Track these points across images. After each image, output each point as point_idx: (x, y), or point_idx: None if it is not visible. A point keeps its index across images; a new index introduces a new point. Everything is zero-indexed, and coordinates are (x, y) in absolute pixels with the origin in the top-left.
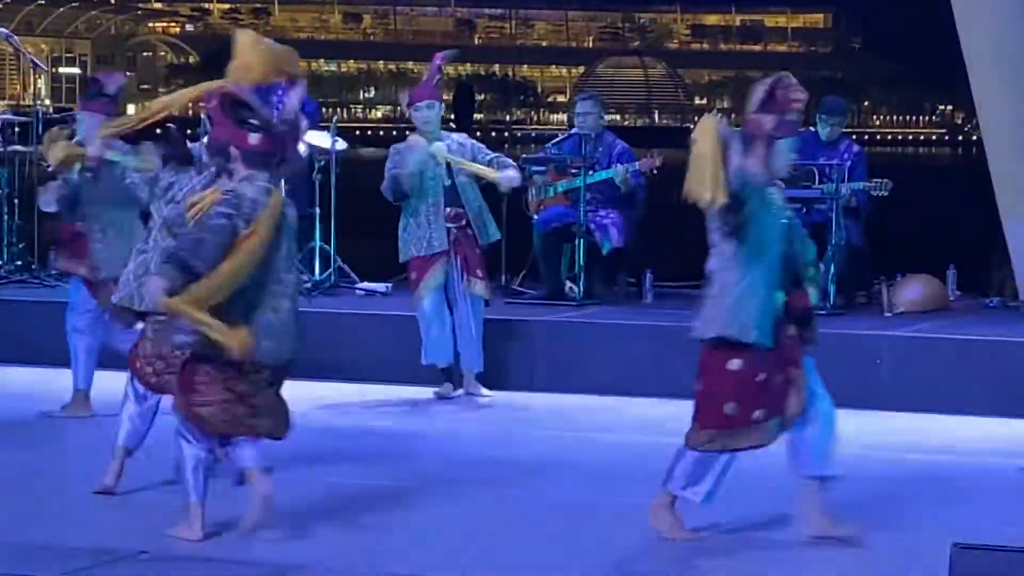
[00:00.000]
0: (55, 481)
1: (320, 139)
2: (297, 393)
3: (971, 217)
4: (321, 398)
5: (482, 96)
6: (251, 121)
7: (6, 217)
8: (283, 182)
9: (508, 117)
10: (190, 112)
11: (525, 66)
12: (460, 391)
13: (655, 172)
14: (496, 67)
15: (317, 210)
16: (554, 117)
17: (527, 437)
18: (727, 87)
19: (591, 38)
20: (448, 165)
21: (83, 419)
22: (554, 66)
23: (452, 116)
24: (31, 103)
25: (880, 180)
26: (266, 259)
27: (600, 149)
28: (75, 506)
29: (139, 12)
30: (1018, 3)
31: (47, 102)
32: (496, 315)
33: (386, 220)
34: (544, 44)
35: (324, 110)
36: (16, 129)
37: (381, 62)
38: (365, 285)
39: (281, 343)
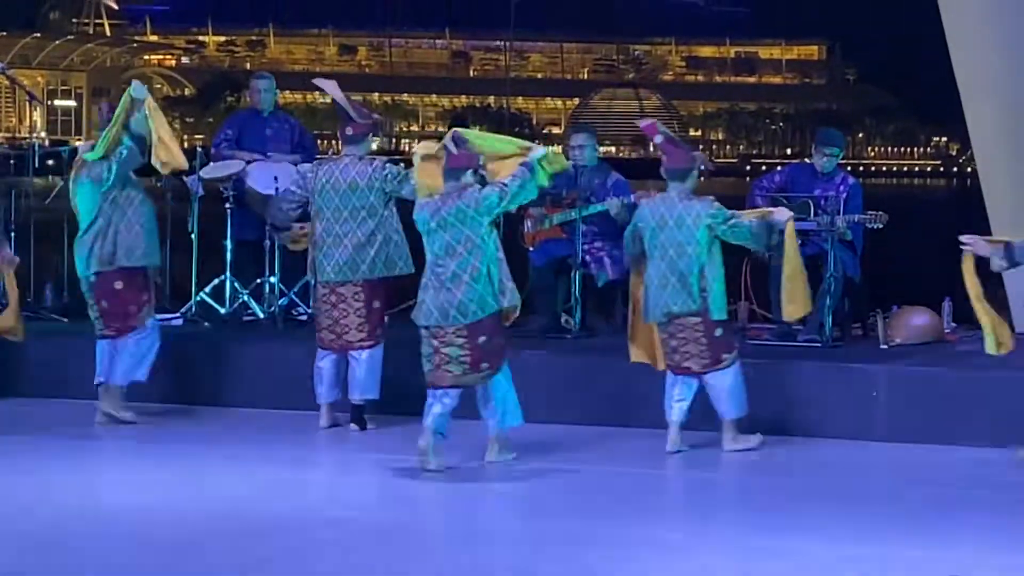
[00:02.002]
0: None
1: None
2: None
3: None
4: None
5: (477, 128)
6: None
7: None
8: None
9: None
10: (185, 144)
11: (520, 98)
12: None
13: None
14: (491, 99)
15: (310, 243)
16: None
17: (522, 467)
18: (722, 119)
19: (586, 70)
20: None
21: None
22: (549, 98)
23: None
24: (27, 135)
25: (875, 212)
26: None
27: (595, 181)
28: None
29: (135, 45)
30: (1011, 35)
31: (43, 135)
32: None
33: None
34: (539, 76)
35: (320, 142)
36: (12, 162)
37: (376, 94)
38: None
39: None
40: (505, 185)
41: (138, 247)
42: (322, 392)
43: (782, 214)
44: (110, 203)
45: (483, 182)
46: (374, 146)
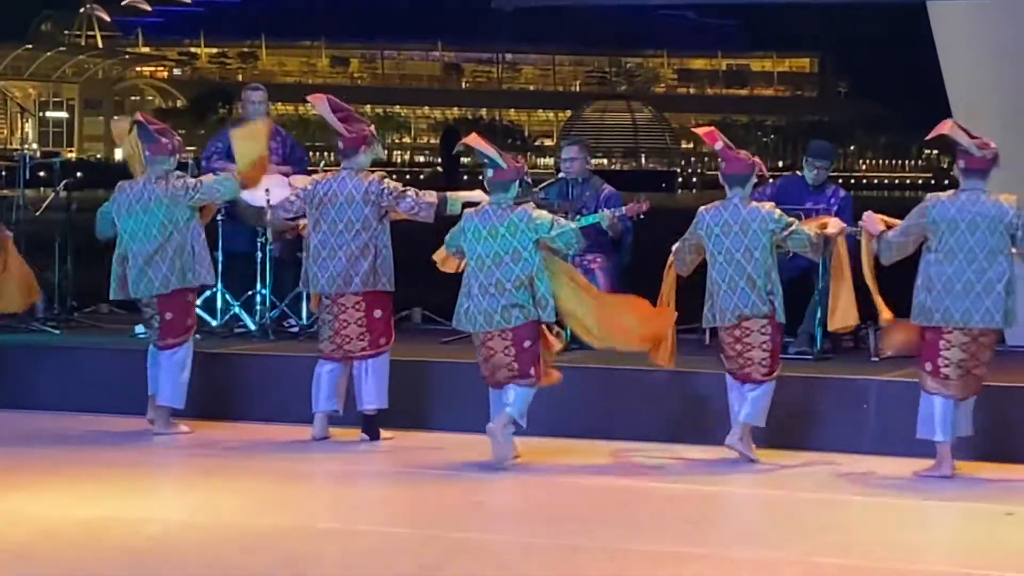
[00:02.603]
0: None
1: (308, 183)
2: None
3: None
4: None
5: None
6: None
7: None
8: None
9: None
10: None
11: (512, 110)
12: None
13: (642, 216)
14: (483, 111)
15: (305, 254)
16: (541, 161)
17: (512, 480)
18: None
19: (578, 82)
20: None
21: None
22: (541, 110)
23: (439, 160)
24: (18, 147)
25: None
26: None
27: (587, 194)
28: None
29: (126, 56)
30: (1002, 47)
31: (34, 146)
32: None
33: None
34: (531, 88)
35: (311, 154)
36: (3, 173)
37: (368, 106)
38: None
39: None
40: (561, 222)
41: (207, 262)
42: (318, 401)
43: (835, 226)
44: (186, 221)
45: (527, 187)
46: (376, 157)
